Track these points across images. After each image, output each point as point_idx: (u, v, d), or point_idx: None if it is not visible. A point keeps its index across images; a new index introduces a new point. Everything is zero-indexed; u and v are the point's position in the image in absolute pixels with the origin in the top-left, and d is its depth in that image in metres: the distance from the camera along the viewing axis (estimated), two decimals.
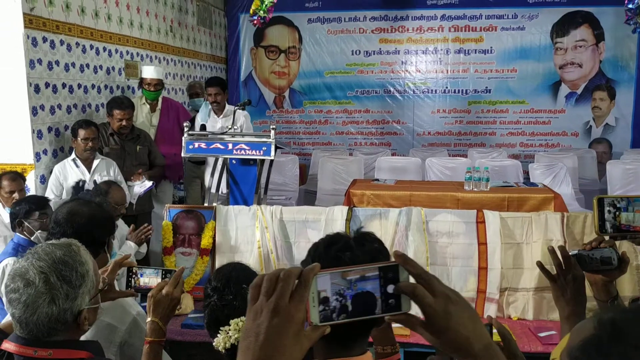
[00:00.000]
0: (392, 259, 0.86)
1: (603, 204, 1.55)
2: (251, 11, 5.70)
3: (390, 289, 0.85)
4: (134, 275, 2.02)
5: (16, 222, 3.08)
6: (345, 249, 1.30)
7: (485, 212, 3.49)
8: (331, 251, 1.30)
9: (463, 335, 0.83)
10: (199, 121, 5.20)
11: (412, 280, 0.86)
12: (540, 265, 1.55)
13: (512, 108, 8.11)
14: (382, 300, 0.85)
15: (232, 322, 1.74)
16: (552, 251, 1.50)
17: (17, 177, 3.67)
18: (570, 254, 1.49)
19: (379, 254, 1.33)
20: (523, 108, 8.09)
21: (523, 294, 3.37)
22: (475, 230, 3.43)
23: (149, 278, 2.02)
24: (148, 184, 4.54)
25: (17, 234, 3.08)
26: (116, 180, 4.26)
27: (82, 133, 4.12)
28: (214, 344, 1.75)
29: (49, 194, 3.99)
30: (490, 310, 3.39)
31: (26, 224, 3.06)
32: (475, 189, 4.88)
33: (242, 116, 5.11)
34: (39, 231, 3.04)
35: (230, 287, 1.84)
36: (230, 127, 4.39)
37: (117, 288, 1.99)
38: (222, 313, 1.81)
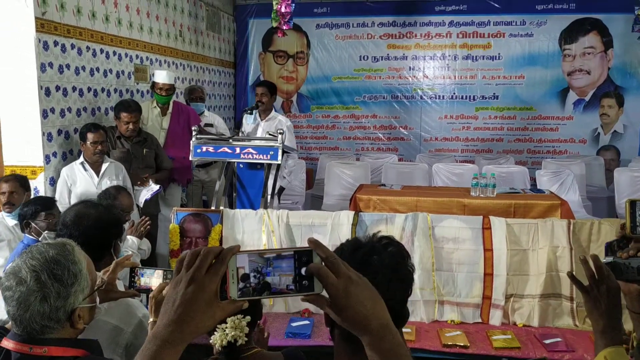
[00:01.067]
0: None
1: (635, 207, 1.57)
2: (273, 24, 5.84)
3: (303, 271, 0.93)
4: (135, 276, 2.04)
5: (24, 223, 3.12)
6: (372, 253, 1.32)
7: (492, 218, 3.50)
8: (358, 255, 1.31)
9: (362, 313, 0.91)
10: (244, 124, 5.31)
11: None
12: (571, 276, 1.47)
13: (520, 114, 8.10)
14: (296, 281, 0.93)
15: (228, 319, 1.76)
16: (584, 261, 1.41)
17: (10, 179, 3.63)
18: (604, 261, 1.43)
19: (402, 257, 1.35)
20: (530, 114, 8.08)
21: (529, 300, 3.37)
22: (481, 236, 3.44)
23: (150, 278, 2.03)
24: (155, 187, 4.57)
25: (26, 235, 3.12)
26: (124, 184, 4.31)
27: (90, 137, 4.15)
28: (210, 341, 1.77)
29: (58, 197, 4.03)
30: (496, 317, 3.39)
31: (33, 224, 3.10)
32: (482, 195, 4.88)
33: (285, 126, 5.03)
34: (46, 232, 3.07)
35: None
36: (270, 132, 4.43)
37: (123, 288, 2.01)
38: None
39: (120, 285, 1.98)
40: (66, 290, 1.44)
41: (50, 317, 1.43)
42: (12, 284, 1.43)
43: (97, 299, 1.61)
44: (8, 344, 1.45)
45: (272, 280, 0.93)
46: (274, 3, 5.70)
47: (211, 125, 5.86)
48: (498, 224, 3.45)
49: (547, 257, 3.35)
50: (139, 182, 4.54)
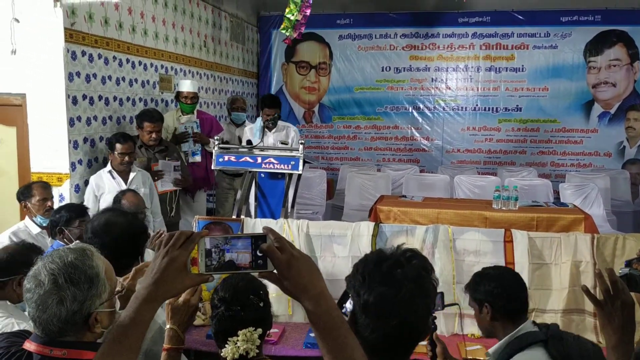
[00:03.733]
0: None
1: None
2: (281, 30, 5.78)
3: (258, 252, 1.13)
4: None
5: (57, 229, 3.14)
6: (396, 266, 1.31)
7: (514, 231, 3.46)
8: (382, 267, 1.32)
9: (300, 283, 1.11)
10: (247, 135, 5.30)
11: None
12: (585, 289, 1.46)
13: (543, 127, 8.02)
14: (253, 260, 1.14)
15: (240, 332, 1.76)
16: (599, 275, 1.40)
17: (47, 186, 3.76)
18: (619, 273, 1.41)
19: (426, 271, 1.35)
20: (554, 127, 7.99)
21: (551, 315, 3.32)
22: (502, 249, 3.40)
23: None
24: (170, 163, 4.72)
25: (57, 240, 3.15)
26: (151, 193, 4.38)
27: (119, 147, 4.22)
28: (221, 354, 1.77)
29: (85, 205, 4.09)
30: None
31: (67, 232, 3.14)
32: (504, 208, 4.83)
33: (292, 131, 5.29)
34: (77, 241, 3.11)
35: (238, 297, 1.87)
36: (282, 141, 4.46)
37: None
38: (229, 323, 1.83)
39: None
40: (82, 294, 1.46)
41: (67, 319, 1.45)
42: (32, 286, 1.47)
43: (118, 305, 1.63)
44: (30, 346, 1.49)
45: (230, 256, 1.14)
46: (291, 17, 5.68)
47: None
48: (520, 237, 3.41)
49: (570, 271, 3.29)
50: (155, 178, 4.61)
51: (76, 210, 3.25)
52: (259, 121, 5.08)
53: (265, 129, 5.16)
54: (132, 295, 1.91)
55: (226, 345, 1.75)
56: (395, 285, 1.28)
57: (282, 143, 4.66)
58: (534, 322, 2.19)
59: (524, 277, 3.32)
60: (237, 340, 1.74)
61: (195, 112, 5.44)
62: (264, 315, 1.91)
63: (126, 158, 4.23)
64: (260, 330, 1.80)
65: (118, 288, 1.67)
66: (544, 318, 3.33)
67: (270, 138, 5.23)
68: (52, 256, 1.51)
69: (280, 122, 5.34)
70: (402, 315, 1.28)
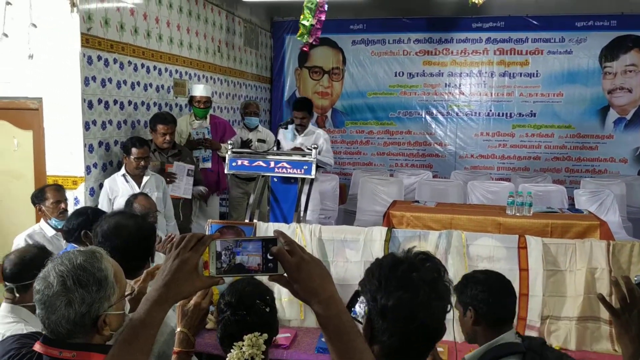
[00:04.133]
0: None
1: None
2: (297, 37, 5.81)
3: (269, 255, 1.14)
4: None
5: (82, 233, 3.06)
6: (411, 269, 1.32)
7: (528, 237, 3.43)
8: (397, 272, 1.32)
9: (310, 287, 1.12)
10: (280, 137, 5.38)
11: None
12: (601, 298, 1.43)
13: (558, 132, 7.96)
14: (263, 263, 1.15)
15: (245, 337, 1.76)
16: (615, 283, 1.38)
17: (60, 189, 3.79)
18: (635, 281, 1.38)
19: (439, 273, 1.35)
20: (569, 133, 7.93)
21: (565, 322, 3.28)
22: (516, 255, 3.37)
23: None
24: (184, 166, 4.76)
25: (71, 244, 3.14)
26: (164, 196, 4.40)
27: (135, 152, 4.24)
28: (227, 359, 1.77)
29: (99, 207, 4.12)
30: None
31: (91, 235, 3.11)
32: (518, 214, 4.80)
33: (322, 138, 5.32)
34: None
35: (244, 302, 1.87)
36: (309, 145, 4.49)
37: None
38: (235, 328, 1.83)
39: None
40: (90, 297, 1.47)
41: (75, 321, 1.46)
42: (41, 287, 1.48)
43: (127, 307, 1.64)
44: (39, 347, 1.50)
45: (241, 259, 1.15)
46: (307, 17, 5.69)
47: (264, 141, 5.96)
48: (534, 243, 3.38)
49: (585, 278, 3.26)
50: (167, 180, 4.63)
51: (96, 215, 3.24)
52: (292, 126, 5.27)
53: (295, 132, 5.25)
54: (142, 297, 1.92)
55: (231, 350, 1.75)
56: (413, 288, 1.29)
57: (307, 149, 4.70)
58: (517, 333, 2.14)
59: (538, 283, 3.30)
60: (243, 345, 1.73)
61: (208, 116, 5.47)
62: (269, 321, 1.90)
63: (142, 162, 4.26)
64: (265, 335, 1.80)
65: (128, 291, 1.67)
66: (558, 325, 3.29)
67: (299, 140, 5.28)
68: (61, 258, 1.52)
69: (310, 127, 5.45)
70: (420, 319, 1.29)
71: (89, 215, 3.16)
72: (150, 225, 2.34)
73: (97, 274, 1.50)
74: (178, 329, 1.80)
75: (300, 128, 5.35)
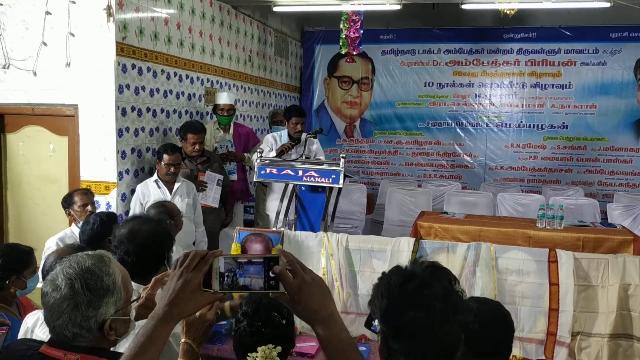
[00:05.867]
0: None
1: None
2: (340, 51, 5.97)
3: (271, 273, 1.17)
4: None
5: (106, 240, 3.06)
6: (423, 287, 1.28)
7: (558, 251, 3.37)
8: (408, 290, 1.28)
9: (311, 307, 1.16)
10: (271, 144, 5.32)
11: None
12: None
13: (591, 145, 7.81)
14: (265, 281, 1.17)
15: (259, 349, 1.76)
16: None
17: (87, 192, 3.85)
18: None
19: (450, 283, 1.30)
20: (602, 145, 7.78)
21: (597, 339, 3.21)
22: (546, 269, 3.32)
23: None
24: (214, 176, 4.83)
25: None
26: (195, 203, 4.45)
27: (166, 158, 4.32)
28: None
29: (132, 212, 4.20)
30: (561, 355, 3.25)
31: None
32: (548, 227, 4.72)
33: (315, 143, 5.41)
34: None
35: (260, 313, 1.87)
36: (302, 153, 4.50)
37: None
38: (250, 339, 1.83)
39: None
40: (98, 301, 1.48)
41: (81, 325, 1.47)
42: (49, 290, 1.49)
43: (133, 313, 1.64)
44: (45, 349, 1.52)
45: (244, 281, 1.18)
46: (342, 29, 5.78)
47: None
48: (565, 257, 3.32)
49: (618, 294, 3.18)
50: (199, 188, 4.68)
51: (111, 218, 3.27)
52: (285, 133, 5.29)
53: (289, 139, 5.26)
54: (150, 304, 1.94)
55: None
56: (425, 307, 1.25)
57: (306, 157, 4.70)
58: None
59: (569, 298, 3.24)
60: (256, 357, 1.73)
61: (232, 124, 5.52)
62: (285, 333, 1.90)
63: (172, 169, 4.33)
64: (279, 348, 1.79)
65: (134, 297, 1.68)
66: (589, 342, 3.23)
67: (295, 150, 5.25)
68: (69, 261, 1.53)
69: (302, 135, 5.35)
70: (437, 336, 1.26)
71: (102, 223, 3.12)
72: (163, 229, 2.35)
73: (105, 278, 1.51)
74: (182, 340, 1.79)
75: (298, 134, 5.31)
